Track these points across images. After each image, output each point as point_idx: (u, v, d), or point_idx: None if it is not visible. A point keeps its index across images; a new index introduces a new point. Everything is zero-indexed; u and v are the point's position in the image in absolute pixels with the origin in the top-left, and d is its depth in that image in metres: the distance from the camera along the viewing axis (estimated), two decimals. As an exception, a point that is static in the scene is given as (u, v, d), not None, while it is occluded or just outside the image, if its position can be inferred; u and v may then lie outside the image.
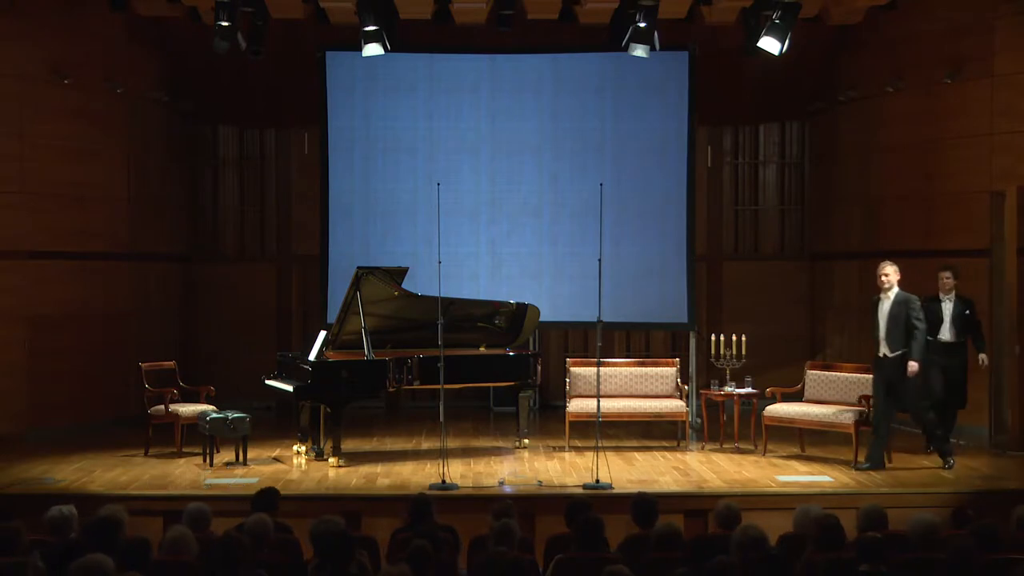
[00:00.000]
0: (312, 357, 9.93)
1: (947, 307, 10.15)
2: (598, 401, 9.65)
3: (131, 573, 4.92)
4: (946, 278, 10.15)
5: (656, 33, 10.51)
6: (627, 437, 11.05)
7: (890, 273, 9.49)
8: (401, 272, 10.05)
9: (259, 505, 6.47)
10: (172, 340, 12.85)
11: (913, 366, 9.37)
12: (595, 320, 9.38)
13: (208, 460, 9.65)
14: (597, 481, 8.71)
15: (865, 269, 12.42)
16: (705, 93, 12.33)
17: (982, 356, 10.24)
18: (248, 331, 13.31)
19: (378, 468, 9.57)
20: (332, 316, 10.85)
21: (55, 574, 5.07)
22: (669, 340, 13.57)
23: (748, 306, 13.13)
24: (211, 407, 10.18)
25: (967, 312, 10.15)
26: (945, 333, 10.14)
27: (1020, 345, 10.30)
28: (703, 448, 10.59)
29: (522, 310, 10.56)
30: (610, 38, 11.27)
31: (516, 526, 5.79)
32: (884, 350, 9.49)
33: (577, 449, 10.42)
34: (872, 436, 9.53)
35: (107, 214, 11.93)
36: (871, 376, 9.90)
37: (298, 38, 12.34)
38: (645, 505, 6.34)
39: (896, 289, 9.48)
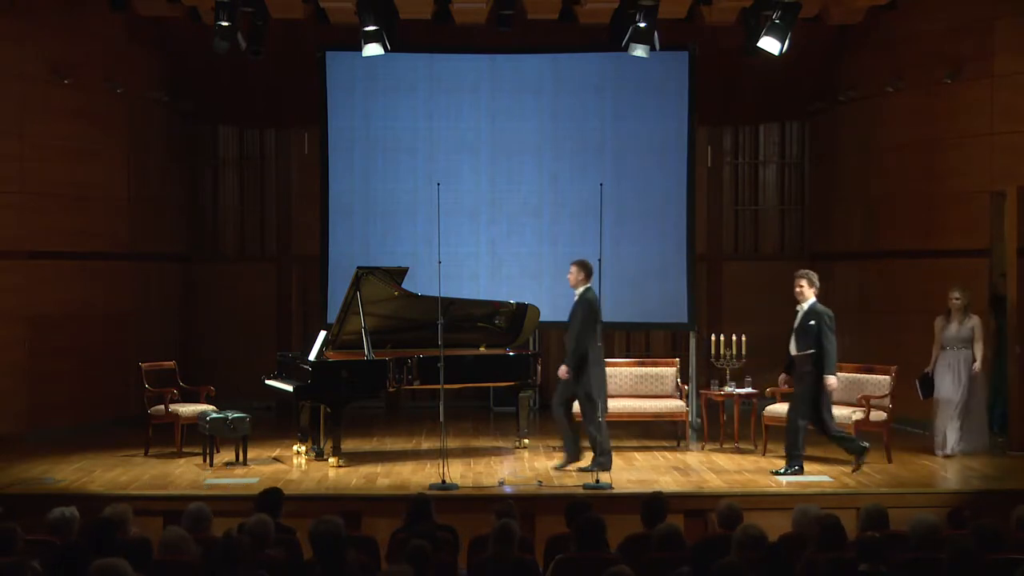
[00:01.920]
0: (312, 357, 9.93)
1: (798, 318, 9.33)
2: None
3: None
4: (797, 287, 9.35)
5: (656, 33, 10.51)
6: (627, 437, 11.03)
7: None
8: (401, 272, 10.05)
9: (262, 506, 6.45)
10: (172, 340, 12.84)
11: (562, 370, 9.34)
12: (595, 320, 9.37)
13: (208, 460, 9.65)
14: (597, 481, 8.71)
15: (865, 269, 12.44)
16: (705, 93, 12.32)
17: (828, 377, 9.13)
18: (248, 331, 13.31)
19: (378, 468, 9.57)
20: (332, 316, 10.85)
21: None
22: (669, 340, 13.57)
23: (748, 306, 13.11)
24: (211, 407, 10.18)
25: (811, 323, 9.17)
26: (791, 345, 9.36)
27: (1020, 345, 10.29)
28: (703, 448, 10.58)
29: (522, 310, 10.55)
30: (610, 38, 11.26)
31: (516, 526, 5.79)
32: None
33: (577, 449, 10.41)
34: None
35: (107, 214, 11.93)
36: (871, 376, 9.91)
37: (298, 38, 12.33)
38: (656, 505, 6.34)
39: None
